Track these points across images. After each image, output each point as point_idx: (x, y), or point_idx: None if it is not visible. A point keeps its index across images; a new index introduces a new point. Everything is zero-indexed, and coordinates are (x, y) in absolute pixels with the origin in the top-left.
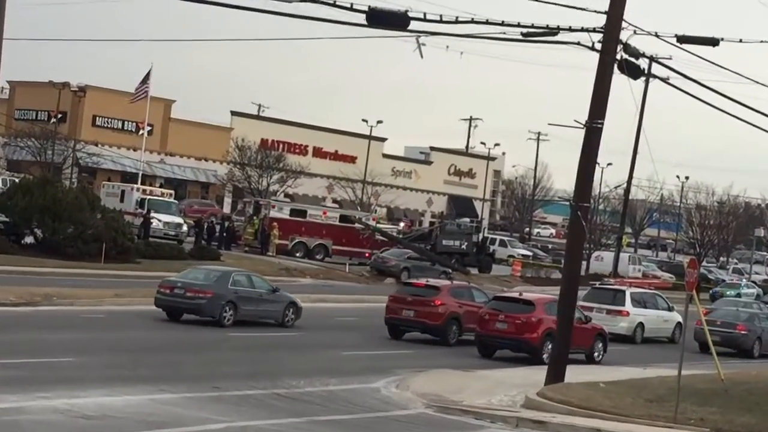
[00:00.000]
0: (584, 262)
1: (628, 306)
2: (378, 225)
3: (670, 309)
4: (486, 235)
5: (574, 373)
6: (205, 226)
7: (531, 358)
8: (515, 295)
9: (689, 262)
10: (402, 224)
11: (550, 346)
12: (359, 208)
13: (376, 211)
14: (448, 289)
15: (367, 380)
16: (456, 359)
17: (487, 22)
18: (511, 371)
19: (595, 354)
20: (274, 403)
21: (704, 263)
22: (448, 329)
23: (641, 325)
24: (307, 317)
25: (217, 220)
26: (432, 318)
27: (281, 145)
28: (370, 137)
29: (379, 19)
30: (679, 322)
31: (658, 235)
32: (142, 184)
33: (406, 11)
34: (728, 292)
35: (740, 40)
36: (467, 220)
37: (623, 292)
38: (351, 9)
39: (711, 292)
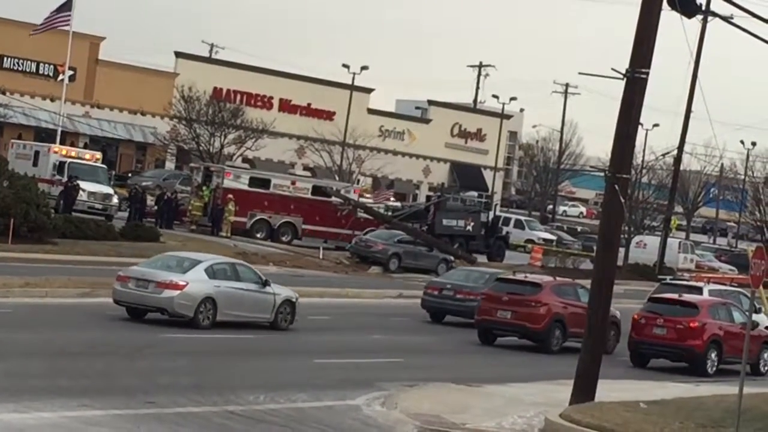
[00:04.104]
0: (622, 249)
1: None
2: (361, 199)
3: (757, 311)
4: (498, 213)
5: (608, 389)
6: (132, 194)
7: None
8: (675, 296)
9: (755, 252)
10: (390, 197)
11: (714, 356)
12: (337, 178)
13: (359, 181)
14: (551, 286)
15: (345, 395)
16: (453, 372)
17: None
18: (527, 386)
19: (761, 365)
20: (225, 423)
21: None
22: (550, 334)
23: None
24: None
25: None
26: (533, 320)
27: (239, 96)
28: (352, 87)
29: None
30: None
31: (717, 217)
32: (61, 143)
33: None
34: None
35: None
36: (474, 194)
37: (699, 290)
38: None
39: None
